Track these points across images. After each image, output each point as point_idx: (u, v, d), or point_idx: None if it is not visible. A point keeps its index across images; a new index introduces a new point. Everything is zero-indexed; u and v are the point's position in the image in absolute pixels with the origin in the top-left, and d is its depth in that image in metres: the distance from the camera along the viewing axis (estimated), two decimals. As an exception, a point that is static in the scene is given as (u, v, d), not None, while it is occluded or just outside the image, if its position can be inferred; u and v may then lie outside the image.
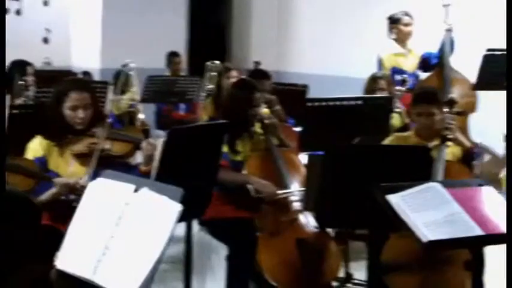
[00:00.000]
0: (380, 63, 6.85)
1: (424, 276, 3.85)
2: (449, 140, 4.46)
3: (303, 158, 4.69)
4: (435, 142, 4.46)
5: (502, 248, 3.09)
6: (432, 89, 5.00)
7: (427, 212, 2.84)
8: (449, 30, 6.54)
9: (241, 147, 4.58)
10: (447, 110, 4.64)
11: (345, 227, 4.39)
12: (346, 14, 9.71)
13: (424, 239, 2.71)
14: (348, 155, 3.72)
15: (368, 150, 3.86)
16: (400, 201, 2.87)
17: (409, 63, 6.91)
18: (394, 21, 6.95)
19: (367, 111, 4.88)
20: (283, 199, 4.36)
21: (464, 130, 6.52)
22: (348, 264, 5.12)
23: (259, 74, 5.87)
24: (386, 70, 6.59)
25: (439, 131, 4.52)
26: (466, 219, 2.82)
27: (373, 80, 5.79)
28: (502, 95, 6.38)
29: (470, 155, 4.51)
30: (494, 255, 3.89)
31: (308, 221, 4.33)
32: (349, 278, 5.12)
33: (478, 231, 2.79)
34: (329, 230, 4.50)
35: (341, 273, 4.77)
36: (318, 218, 3.94)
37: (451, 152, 4.54)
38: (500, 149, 6.48)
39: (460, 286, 3.68)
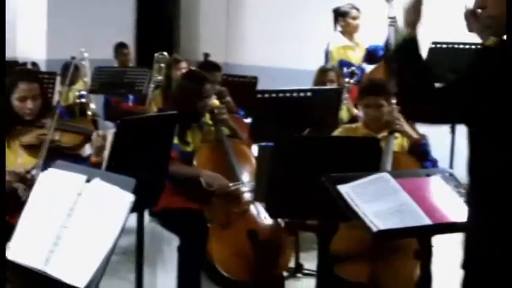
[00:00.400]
0: (328, 55, 6.89)
1: (373, 266, 3.89)
2: (397, 131, 4.52)
3: (254, 149, 4.72)
4: (383, 133, 4.52)
5: (448, 238, 3.15)
6: (380, 81, 5.02)
7: (376, 202, 2.88)
8: (392, 24, 6.57)
9: (191, 138, 4.58)
10: (395, 101, 4.70)
11: (295, 218, 4.41)
12: (296, 6, 9.74)
13: (374, 229, 2.75)
14: (297, 146, 3.77)
15: (317, 142, 3.91)
16: (350, 191, 2.90)
17: (357, 56, 6.97)
18: (341, 14, 6.98)
19: (317, 103, 4.91)
20: (234, 190, 4.38)
21: (411, 123, 6.62)
22: (299, 254, 5.17)
23: (209, 66, 5.88)
24: (335, 62, 6.63)
25: (387, 122, 4.57)
26: (414, 209, 2.87)
27: (323, 72, 5.83)
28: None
29: (418, 146, 4.56)
30: (441, 244, 3.99)
31: (259, 211, 4.36)
32: (299, 268, 5.17)
33: (426, 221, 2.84)
34: (280, 221, 4.54)
35: (291, 264, 4.81)
36: (268, 209, 3.97)
37: (399, 143, 4.60)
38: (447, 140, 6.63)
39: (409, 275, 3.74)
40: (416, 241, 3.05)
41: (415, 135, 4.60)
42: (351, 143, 3.89)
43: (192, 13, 10.84)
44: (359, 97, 4.82)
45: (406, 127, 4.59)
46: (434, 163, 4.54)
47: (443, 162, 6.17)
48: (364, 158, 3.71)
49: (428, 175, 3.14)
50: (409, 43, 2.68)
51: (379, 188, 2.96)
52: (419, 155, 4.50)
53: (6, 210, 3.27)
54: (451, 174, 3.14)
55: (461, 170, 5.62)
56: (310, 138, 4.35)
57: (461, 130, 2.63)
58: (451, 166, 6.41)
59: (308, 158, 3.67)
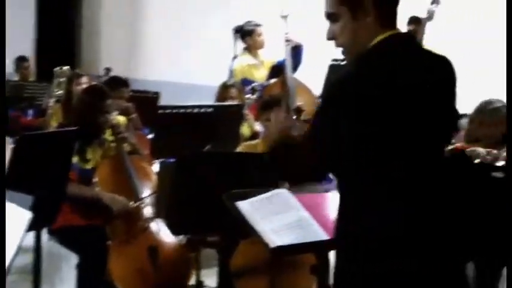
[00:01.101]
0: (232, 73, 6.90)
1: (271, 281, 3.94)
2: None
3: (156, 166, 4.71)
4: None
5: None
6: (279, 95, 5.12)
7: (275, 218, 2.92)
8: (288, 41, 6.66)
9: (91, 154, 4.52)
10: (295, 117, 4.76)
11: (196, 234, 4.41)
12: (197, 22, 9.76)
13: (272, 245, 2.78)
14: (198, 162, 3.78)
15: (218, 157, 3.93)
16: (249, 207, 2.93)
17: (261, 75, 7.01)
18: (247, 32, 7.01)
19: (218, 118, 4.94)
20: (134, 208, 4.35)
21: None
22: (199, 271, 5.15)
23: (117, 81, 5.82)
24: (238, 79, 6.65)
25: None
26: (312, 225, 2.92)
27: (225, 89, 5.87)
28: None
29: None
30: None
31: (160, 228, 4.34)
32: (199, 285, 5.14)
33: (323, 236, 2.89)
34: (181, 237, 4.53)
35: (192, 281, 4.79)
36: (169, 225, 3.96)
37: None
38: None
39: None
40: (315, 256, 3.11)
41: None
42: (250, 159, 3.93)
43: (94, 26, 10.73)
44: (259, 112, 4.85)
45: None
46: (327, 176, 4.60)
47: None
48: (264, 173, 3.74)
49: (326, 191, 3.21)
50: None
51: (278, 204, 3.00)
52: None
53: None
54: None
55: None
56: (210, 154, 4.37)
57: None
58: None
59: (209, 174, 3.68)
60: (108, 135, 4.63)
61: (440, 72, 2.51)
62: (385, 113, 2.36)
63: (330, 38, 2.55)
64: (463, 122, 4.70)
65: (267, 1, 7.73)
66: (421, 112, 2.42)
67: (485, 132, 4.32)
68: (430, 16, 6.56)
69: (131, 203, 4.33)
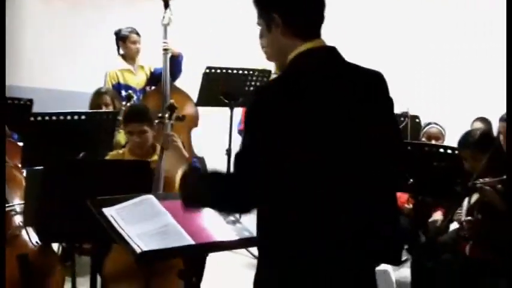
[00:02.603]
0: (106, 79, 6.83)
1: (145, 285, 3.95)
2: (170, 148, 4.50)
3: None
4: (153, 157, 4.55)
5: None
6: (142, 107, 5.01)
7: (141, 224, 2.95)
8: (166, 49, 6.66)
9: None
10: (168, 115, 4.75)
11: (66, 242, 4.37)
12: (75, 27, 9.64)
13: (138, 250, 2.81)
14: (67, 170, 3.76)
15: (88, 165, 3.92)
16: (114, 213, 2.96)
17: (138, 80, 6.97)
18: (121, 38, 6.97)
19: (92, 126, 4.92)
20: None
21: (187, 144, 6.76)
22: (75, 279, 5.09)
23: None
24: (109, 85, 6.57)
25: (153, 147, 4.62)
26: (178, 230, 2.96)
27: (98, 95, 5.82)
28: (221, 110, 6.73)
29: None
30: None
31: (30, 236, 4.27)
32: (75, 293, 5.11)
33: (189, 241, 2.93)
34: (54, 245, 4.47)
35: (68, 288, 4.74)
36: (38, 233, 3.92)
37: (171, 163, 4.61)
38: (224, 162, 6.83)
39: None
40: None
41: (186, 154, 4.63)
42: (122, 167, 3.93)
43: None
44: (123, 124, 4.79)
45: (180, 144, 4.58)
46: None
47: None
48: (135, 181, 3.76)
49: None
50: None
51: (144, 210, 3.04)
52: None
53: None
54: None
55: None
56: (80, 161, 4.33)
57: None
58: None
59: (78, 182, 3.66)
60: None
61: (365, 88, 2.50)
62: (296, 132, 2.37)
63: (264, 51, 2.62)
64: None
65: (151, 9, 7.68)
66: (337, 131, 2.43)
67: (474, 165, 4.40)
68: None
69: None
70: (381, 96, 2.56)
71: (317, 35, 2.52)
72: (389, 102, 2.58)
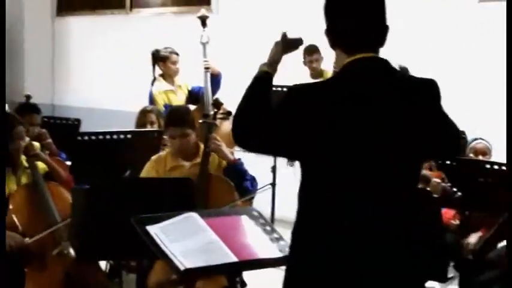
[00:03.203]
0: (152, 100, 6.86)
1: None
2: (213, 151, 4.52)
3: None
4: (195, 161, 4.55)
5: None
6: (184, 110, 4.96)
7: (184, 241, 2.96)
8: (207, 68, 6.70)
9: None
10: (215, 111, 4.76)
11: (108, 259, 4.41)
12: (119, 49, 9.77)
13: (182, 267, 2.82)
14: (111, 188, 3.82)
15: (132, 184, 3.97)
16: (159, 231, 2.97)
17: (180, 99, 7.02)
18: (161, 59, 7.00)
19: (137, 144, 4.97)
20: (49, 234, 4.31)
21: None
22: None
23: (28, 108, 5.77)
24: (160, 106, 6.63)
25: (195, 149, 4.59)
26: (221, 247, 2.96)
27: (143, 114, 5.86)
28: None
29: (234, 166, 4.59)
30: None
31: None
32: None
33: (232, 258, 2.94)
34: (101, 263, 4.52)
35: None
36: (82, 251, 3.96)
37: (216, 164, 4.60)
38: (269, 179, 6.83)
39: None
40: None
41: (231, 156, 4.64)
42: (164, 184, 3.96)
43: (17, 53, 10.60)
44: (164, 127, 4.78)
45: (223, 147, 4.58)
46: (252, 180, 4.63)
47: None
48: (178, 197, 3.79)
49: (236, 214, 3.26)
50: (260, 80, 2.81)
51: (188, 227, 3.04)
52: (236, 174, 4.55)
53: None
54: (258, 213, 3.26)
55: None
56: (124, 180, 4.37)
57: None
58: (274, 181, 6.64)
59: (122, 200, 3.72)
60: (23, 162, 4.60)
61: (408, 96, 2.61)
62: (327, 128, 2.53)
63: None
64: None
65: (188, 28, 7.75)
66: (371, 133, 2.54)
67: None
68: None
69: (26, 239, 4.25)
70: (427, 101, 2.64)
71: (367, 49, 2.63)
72: (437, 106, 2.66)
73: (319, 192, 2.61)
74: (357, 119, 2.55)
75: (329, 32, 2.69)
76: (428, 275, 2.71)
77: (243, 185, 4.53)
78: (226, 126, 5.49)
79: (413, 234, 2.61)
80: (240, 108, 2.74)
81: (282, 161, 6.84)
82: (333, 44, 2.69)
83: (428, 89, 2.66)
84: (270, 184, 5.43)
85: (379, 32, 2.66)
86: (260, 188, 4.90)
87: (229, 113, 5.10)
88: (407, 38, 6.80)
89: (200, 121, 4.76)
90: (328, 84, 2.68)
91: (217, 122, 4.91)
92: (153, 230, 2.98)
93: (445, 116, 2.71)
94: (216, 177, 4.49)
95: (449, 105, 2.76)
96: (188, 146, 4.55)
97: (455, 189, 4.67)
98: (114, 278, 5.00)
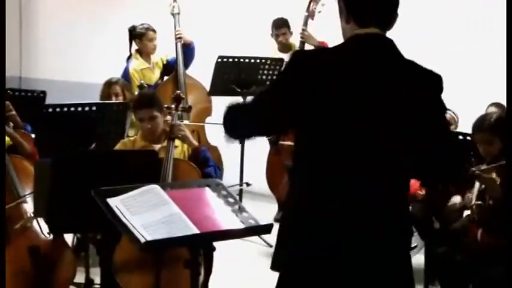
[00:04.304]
0: (127, 77, 6.77)
1: (155, 275, 3.97)
2: (178, 138, 4.63)
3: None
4: (163, 144, 4.61)
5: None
6: (151, 93, 5.07)
7: (146, 213, 2.93)
8: (179, 38, 6.70)
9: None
10: (174, 105, 4.79)
11: (76, 232, 4.39)
12: (83, 20, 9.66)
13: (142, 240, 2.81)
14: (75, 161, 3.77)
15: (96, 156, 3.93)
16: (119, 204, 2.94)
17: (156, 77, 7.00)
18: (137, 35, 6.93)
19: (103, 117, 4.94)
20: (13, 207, 4.28)
21: (202, 133, 6.79)
22: (89, 269, 5.12)
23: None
24: (135, 85, 6.53)
25: (165, 131, 4.65)
26: (183, 219, 2.94)
27: (109, 85, 5.83)
28: (235, 99, 6.72)
29: (198, 153, 4.69)
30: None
31: (42, 228, 4.29)
32: (90, 283, 5.11)
33: (194, 230, 2.92)
34: (66, 236, 4.49)
35: (82, 279, 4.76)
36: (48, 224, 3.93)
37: (181, 151, 4.70)
38: (237, 151, 6.84)
39: (185, 283, 3.83)
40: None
41: (195, 142, 4.74)
42: (129, 157, 3.94)
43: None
44: (133, 111, 4.85)
45: (187, 133, 4.70)
46: (215, 168, 4.69)
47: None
48: (143, 170, 3.77)
49: (199, 186, 3.25)
50: None
51: (149, 199, 3.01)
52: (201, 161, 4.63)
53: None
54: (220, 185, 3.25)
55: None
56: (87, 152, 4.34)
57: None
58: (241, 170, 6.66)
59: (86, 173, 3.68)
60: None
61: (408, 82, 2.61)
62: (320, 99, 2.55)
63: None
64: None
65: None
66: (359, 108, 2.56)
67: (489, 149, 4.40)
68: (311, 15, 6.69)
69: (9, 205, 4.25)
70: (426, 94, 2.65)
71: (376, 24, 2.64)
72: (439, 104, 2.68)
73: (311, 167, 2.62)
74: (355, 92, 2.56)
75: (342, 3, 2.70)
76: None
77: (206, 170, 4.58)
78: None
79: (400, 211, 2.65)
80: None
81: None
82: (347, 12, 2.67)
83: (433, 82, 2.68)
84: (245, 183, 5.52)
85: (391, 14, 2.68)
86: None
87: (188, 109, 5.20)
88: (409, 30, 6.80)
89: (166, 106, 4.76)
90: (332, 53, 2.69)
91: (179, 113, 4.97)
92: (114, 202, 2.95)
93: (446, 126, 2.78)
94: (182, 161, 4.56)
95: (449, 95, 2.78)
96: (157, 128, 4.66)
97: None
98: (81, 252, 4.98)
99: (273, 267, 2.75)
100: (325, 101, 2.56)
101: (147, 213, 2.95)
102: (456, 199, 4.98)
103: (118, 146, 4.70)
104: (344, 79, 2.57)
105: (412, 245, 4.76)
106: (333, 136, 2.58)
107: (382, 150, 2.58)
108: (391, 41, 2.66)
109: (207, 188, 3.20)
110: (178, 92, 4.88)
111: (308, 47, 6.57)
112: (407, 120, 2.61)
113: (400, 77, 2.63)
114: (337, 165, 2.58)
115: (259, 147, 6.37)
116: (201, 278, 4.20)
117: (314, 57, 2.70)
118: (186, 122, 5.81)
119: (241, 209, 3.13)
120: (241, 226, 3.06)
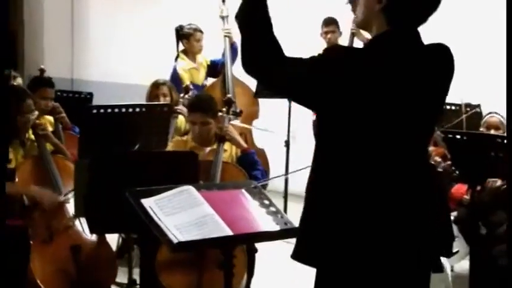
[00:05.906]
0: (176, 76, 6.82)
1: (197, 275, 3.97)
2: (227, 140, 4.66)
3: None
4: (213, 147, 4.65)
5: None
6: (208, 98, 5.03)
7: (179, 214, 2.94)
8: (227, 37, 6.72)
9: (12, 154, 4.49)
10: (225, 109, 4.81)
11: (115, 232, 4.41)
12: (140, 22, 9.74)
13: (174, 240, 2.81)
14: (113, 162, 3.79)
15: (135, 157, 3.95)
16: (153, 204, 2.95)
17: (202, 76, 7.04)
18: (184, 35, 6.98)
19: (148, 117, 4.96)
20: (57, 206, 4.32)
21: (249, 136, 6.78)
22: (132, 270, 5.15)
23: (41, 82, 5.77)
24: (187, 83, 6.55)
25: (214, 137, 4.67)
26: (216, 221, 2.94)
27: (156, 86, 5.86)
28: (281, 103, 6.71)
29: (246, 156, 4.73)
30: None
31: (84, 227, 4.33)
32: (132, 283, 5.15)
33: (228, 232, 2.92)
34: (112, 237, 4.53)
35: (125, 279, 4.79)
36: (88, 224, 3.96)
37: (229, 154, 4.72)
38: (283, 154, 6.83)
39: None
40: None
41: (244, 144, 4.75)
42: (168, 157, 3.95)
43: (36, 27, 10.59)
44: (187, 113, 4.88)
45: (236, 136, 4.71)
46: (263, 172, 4.70)
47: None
48: (182, 172, 3.77)
49: (234, 187, 3.24)
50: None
51: (183, 200, 3.03)
52: (249, 163, 4.66)
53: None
54: (255, 187, 3.24)
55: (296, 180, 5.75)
56: (126, 153, 4.34)
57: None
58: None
59: (124, 174, 3.70)
60: (30, 135, 4.62)
61: (433, 67, 2.58)
62: (362, 95, 2.46)
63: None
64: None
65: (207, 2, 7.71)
66: (402, 104, 2.50)
67: None
68: None
69: (61, 198, 4.33)
70: (444, 69, 2.62)
71: (414, 24, 2.59)
72: (449, 74, 2.62)
73: (338, 158, 2.51)
74: (387, 88, 2.48)
75: None
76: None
77: (253, 174, 4.59)
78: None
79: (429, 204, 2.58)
80: (245, 33, 2.68)
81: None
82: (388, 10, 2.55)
83: (447, 56, 2.62)
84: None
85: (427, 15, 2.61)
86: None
87: (239, 113, 5.22)
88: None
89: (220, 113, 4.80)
90: (367, 49, 2.64)
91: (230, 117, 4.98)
92: (147, 203, 2.97)
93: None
94: (229, 164, 4.59)
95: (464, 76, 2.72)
96: (207, 134, 4.68)
97: (453, 168, 4.65)
98: (125, 253, 5.02)
99: (299, 258, 2.66)
100: (361, 94, 2.47)
101: (181, 214, 2.96)
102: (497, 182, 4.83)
103: (171, 146, 4.76)
104: (381, 75, 2.48)
105: (454, 250, 4.71)
106: (380, 129, 2.49)
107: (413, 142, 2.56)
108: (417, 33, 2.62)
109: (242, 190, 3.20)
110: (230, 96, 4.90)
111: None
112: (428, 112, 2.61)
113: (427, 67, 2.58)
114: (387, 160, 2.49)
115: (305, 151, 6.34)
116: (244, 279, 4.20)
117: (354, 51, 2.68)
118: (235, 122, 5.79)
119: (276, 211, 3.12)
120: (276, 228, 3.04)
